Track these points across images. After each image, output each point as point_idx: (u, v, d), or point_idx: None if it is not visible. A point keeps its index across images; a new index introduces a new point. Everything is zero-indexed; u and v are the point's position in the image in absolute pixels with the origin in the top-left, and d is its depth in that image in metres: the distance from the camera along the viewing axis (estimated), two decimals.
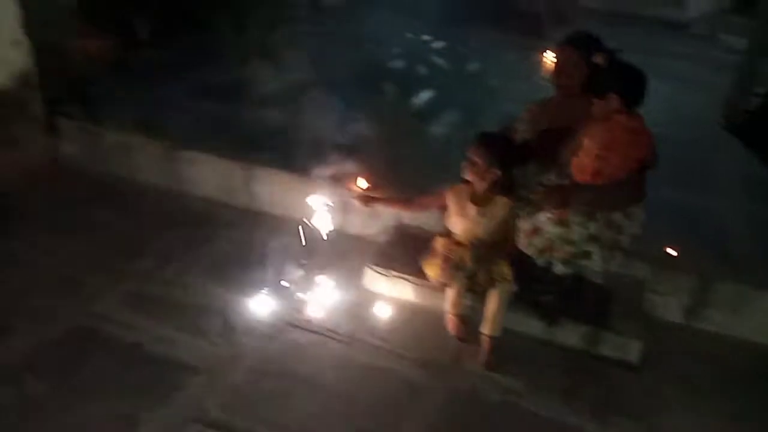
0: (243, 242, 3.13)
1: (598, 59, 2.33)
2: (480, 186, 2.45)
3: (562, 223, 2.36)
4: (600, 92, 2.24)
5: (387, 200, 2.80)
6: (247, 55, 4.17)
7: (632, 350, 2.50)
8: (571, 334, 2.56)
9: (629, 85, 2.23)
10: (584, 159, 2.26)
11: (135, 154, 3.59)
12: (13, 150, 3.47)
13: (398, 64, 5.61)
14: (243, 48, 4.14)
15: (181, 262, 2.95)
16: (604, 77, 2.26)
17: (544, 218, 2.39)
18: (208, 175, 3.47)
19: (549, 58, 2.78)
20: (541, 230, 2.40)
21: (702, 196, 3.49)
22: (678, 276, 2.75)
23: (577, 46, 2.43)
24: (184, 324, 2.56)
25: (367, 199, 2.75)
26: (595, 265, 2.39)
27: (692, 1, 8.18)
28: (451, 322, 2.61)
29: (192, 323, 2.56)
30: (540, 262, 2.46)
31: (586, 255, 2.38)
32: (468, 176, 2.45)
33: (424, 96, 4.77)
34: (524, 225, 2.45)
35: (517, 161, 2.46)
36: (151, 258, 2.96)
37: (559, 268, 2.45)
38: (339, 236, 3.18)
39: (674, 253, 2.75)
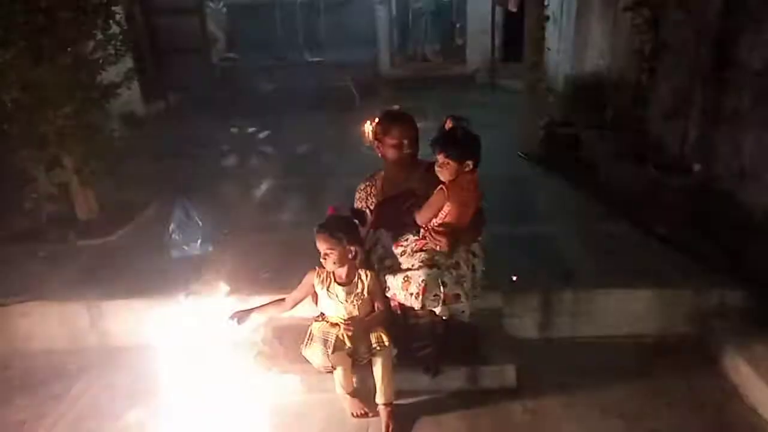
0: (104, 389, 2.85)
1: (449, 126, 2.55)
2: (340, 270, 2.58)
3: (433, 265, 2.51)
4: (456, 158, 2.48)
5: (260, 309, 2.79)
6: (63, 187, 3.92)
7: (508, 375, 2.74)
8: (454, 379, 2.73)
9: (478, 150, 2.54)
10: (448, 217, 2.54)
11: None
12: None
13: (229, 161, 5.67)
14: (56, 180, 3.89)
15: None
16: (461, 146, 2.50)
17: (417, 262, 2.53)
18: (47, 324, 3.12)
19: (371, 130, 2.86)
20: (412, 278, 2.52)
21: (527, 222, 3.97)
22: (525, 297, 3.09)
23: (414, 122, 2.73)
24: None
25: (241, 315, 2.72)
26: (464, 306, 2.57)
27: (471, 57, 9.52)
28: (346, 402, 2.64)
29: None
30: (415, 311, 2.57)
31: (456, 298, 2.55)
32: (328, 267, 2.56)
33: (264, 186, 4.86)
34: (395, 281, 2.56)
35: (358, 230, 2.63)
36: None
37: (439, 310, 2.53)
38: (210, 347, 3.06)
39: (515, 279, 3.12)
